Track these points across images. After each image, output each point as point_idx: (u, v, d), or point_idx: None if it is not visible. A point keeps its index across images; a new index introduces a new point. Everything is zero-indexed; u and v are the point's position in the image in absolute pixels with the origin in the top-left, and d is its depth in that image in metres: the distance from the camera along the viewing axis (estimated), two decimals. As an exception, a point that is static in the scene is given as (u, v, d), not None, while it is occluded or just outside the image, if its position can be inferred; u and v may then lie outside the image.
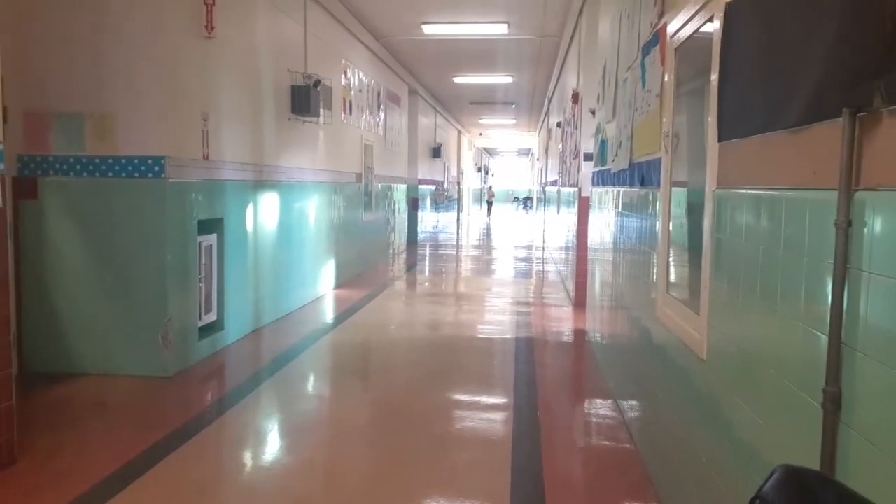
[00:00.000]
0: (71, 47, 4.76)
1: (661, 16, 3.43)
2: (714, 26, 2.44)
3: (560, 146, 10.98)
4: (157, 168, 4.78)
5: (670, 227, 3.18)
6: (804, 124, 1.68)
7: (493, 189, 35.77)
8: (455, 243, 17.21)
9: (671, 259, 3.20)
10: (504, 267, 12.92)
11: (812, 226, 1.66)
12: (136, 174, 4.78)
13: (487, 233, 20.47)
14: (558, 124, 11.57)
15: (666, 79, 3.24)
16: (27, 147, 4.82)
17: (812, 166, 1.67)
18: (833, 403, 1.51)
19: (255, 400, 4.68)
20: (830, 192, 1.52)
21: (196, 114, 5.21)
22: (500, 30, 9.73)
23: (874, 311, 1.40)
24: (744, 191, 2.12)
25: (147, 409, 4.35)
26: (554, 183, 12.63)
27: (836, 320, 1.50)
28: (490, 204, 33.80)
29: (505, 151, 40.99)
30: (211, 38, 5.30)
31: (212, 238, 5.58)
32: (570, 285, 8.50)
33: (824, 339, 1.54)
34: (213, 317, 5.66)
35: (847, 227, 1.47)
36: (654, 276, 3.37)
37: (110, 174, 4.80)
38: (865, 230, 1.43)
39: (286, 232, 7.13)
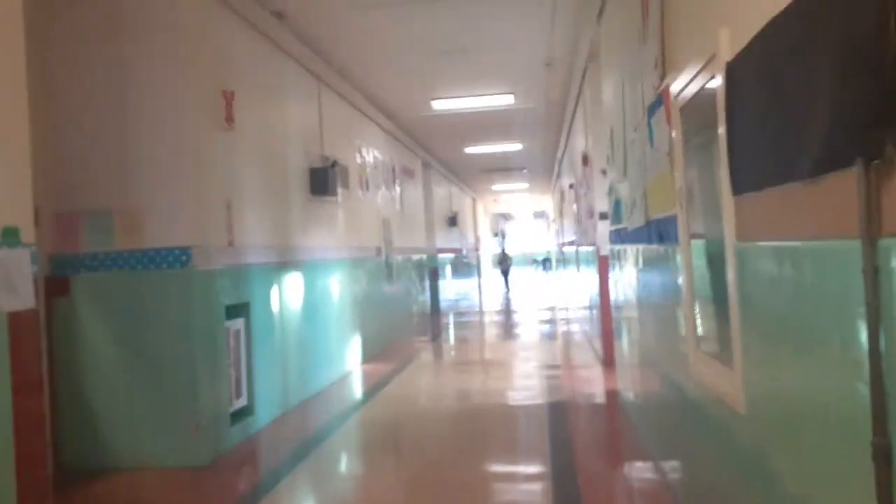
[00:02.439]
0: (97, 146, 4.95)
1: (662, 77, 3.53)
2: (717, 84, 2.51)
3: (574, 207, 11.08)
4: (184, 258, 4.89)
5: (694, 281, 3.17)
6: (819, 174, 1.71)
7: (509, 253, 26.96)
8: (477, 309, 17.16)
9: (698, 313, 3.18)
10: (528, 330, 12.82)
11: (840, 275, 1.66)
12: (164, 265, 4.89)
13: (508, 298, 20.41)
14: (571, 186, 11.71)
15: (674, 137, 3.31)
16: (58, 246, 4.96)
17: (832, 216, 1.68)
18: (883, 455, 1.48)
19: (291, 485, 4.62)
20: (853, 241, 1.53)
21: (220, 202, 5.37)
22: (507, 100, 10.01)
23: (912, 357, 1.38)
24: (765, 243, 2.13)
25: (182, 501, 4.30)
26: (571, 243, 12.67)
27: (876, 369, 1.48)
28: (506, 274, 25.22)
29: (520, 215, 41.30)
30: (231, 129, 5.51)
31: (239, 322, 5.64)
32: (598, 345, 8.40)
33: (865, 388, 1.52)
34: (243, 401, 5.66)
35: (874, 274, 1.48)
36: (683, 331, 3.35)
37: (139, 267, 4.92)
38: (893, 277, 1.43)
39: (311, 310, 7.18)
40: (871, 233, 1.49)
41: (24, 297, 3.37)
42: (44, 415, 3.47)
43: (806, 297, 1.84)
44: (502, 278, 25.37)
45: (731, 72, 2.31)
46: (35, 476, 3.33)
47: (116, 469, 4.81)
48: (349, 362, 8.56)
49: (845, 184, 1.57)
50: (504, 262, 25.74)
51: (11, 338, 3.27)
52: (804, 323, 1.86)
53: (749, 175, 2.21)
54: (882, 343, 1.47)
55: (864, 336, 1.51)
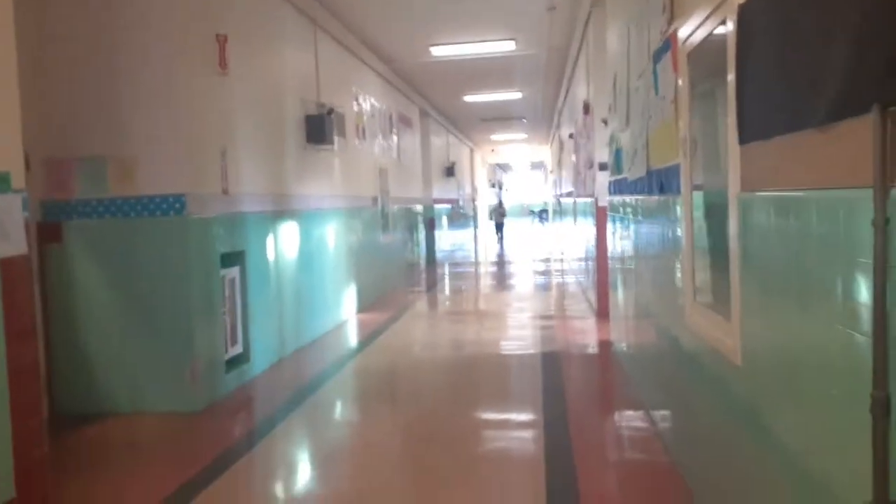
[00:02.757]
0: (89, 92, 4.84)
1: (670, 22, 3.42)
2: (727, 29, 2.42)
3: (573, 157, 10.96)
4: (178, 205, 4.82)
5: (693, 233, 3.14)
6: (832, 121, 1.65)
7: (504, 204, 25.00)
8: (473, 260, 17.18)
9: (696, 265, 3.15)
10: (523, 281, 12.86)
11: (848, 225, 1.62)
12: (158, 213, 4.83)
13: (504, 249, 20.43)
14: (570, 136, 11.56)
15: (680, 84, 3.22)
16: (50, 192, 4.89)
17: (843, 164, 1.63)
18: (882, 408, 1.46)
19: (285, 431, 4.67)
20: (865, 189, 1.48)
21: (214, 149, 5.27)
22: (508, 47, 9.78)
23: (919, 310, 1.36)
24: (770, 193, 2.08)
25: (178, 446, 4.35)
26: (569, 194, 12.59)
27: (881, 322, 1.45)
28: (500, 226, 23.21)
29: (518, 166, 41.04)
30: (225, 75, 5.37)
31: (234, 271, 5.62)
32: (592, 296, 8.43)
33: (867, 341, 1.50)
34: (238, 349, 5.68)
35: (885, 225, 1.44)
36: (681, 283, 3.33)
37: (132, 214, 4.86)
38: (905, 227, 1.39)
39: (307, 260, 7.16)
40: (885, 182, 1.44)
41: (15, 242, 3.32)
42: (38, 361, 3.46)
43: (810, 248, 1.80)
44: (496, 233, 22.99)
45: (744, 15, 2.23)
46: (30, 422, 3.34)
47: (111, 414, 4.85)
48: (344, 311, 8.58)
49: (859, 131, 1.52)
50: (499, 214, 23.36)
51: (4, 284, 3.23)
52: (806, 275, 1.83)
53: (757, 123, 2.15)
54: (888, 296, 1.44)
55: (869, 289, 1.48)
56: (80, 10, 4.82)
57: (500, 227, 23.06)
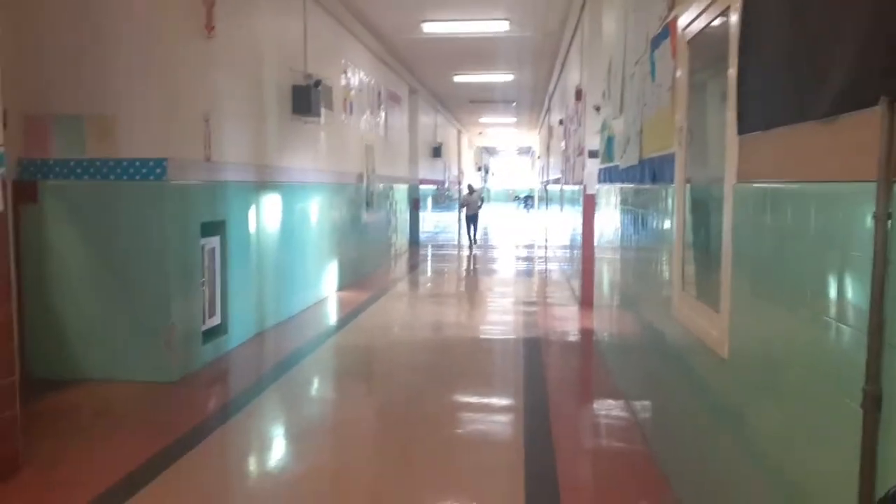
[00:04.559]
0: (70, 49, 4.69)
1: (670, 8, 3.36)
2: (731, 16, 2.37)
3: (563, 144, 10.92)
4: (158, 170, 4.71)
5: (685, 224, 3.11)
6: (837, 114, 1.61)
7: (477, 190, 17.51)
8: (457, 243, 17.13)
9: (686, 256, 3.13)
10: (507, 266, 12.86)
11: (846, 219, 1.59)
12: (138, 176, 4.72)
13: (488, 233, 20.39)
14: (560, 122, 11.51)
15: (678, 73, 3.18)
16: (27, 150, 4.75)
17: (845, 158, 1.60)
18: (873, 403, 1.45)
19: (261, 405, 4.61)
20: (867, 184, 1.45)
21: (197, 114, 5.15)
22: (501, 27, 9.66)
23: (917, 308, 1.33)
24: (768, 185, 2.05)
25: (152, 415, 4.28)
26: (556, 181, 12.57)
27: (877, 317, 1.43)
28: (474, 220, 15.98)
29: (505, 150, 40.94)
30: (211, 38, 5.23)
31: (214, 241, 5.52)
32: (576, 284, 8.44)
33: (862, 336, 1.47)
34: (216, 320, 5.60)
35: (887, 219, 1.41)
36: (669, 274, 3.31)
37: (111, 177, 4.73)
38: (907, 223, 1.37)
39: (289, 233, 7.06)
40: (889, 176, 1.41)
41: (-12, 199, 3.22)
42: (12, 320, 3.37)
43: (807, 241, 1.77)
44: (466, 227, 16.05)
45: (749, 3, 2.18)
46: (2, 384, 3.26)
47: (85, 380, 4.76)
48: (325, 288, 8.51)
49: (864, 124, 1.49)
50: (470, 203, 16.10)
51: (-25, 241, 3.14)
52: (803, 268, 1.80)
53: (757, 113, 2.11)
54: (886, 291, 1.42)
55: (865, 283, 1.46)
56: (63, -36, 4.66)
57: (472, 222, 15.90)
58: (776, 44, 1.96)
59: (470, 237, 15.81)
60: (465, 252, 14.22)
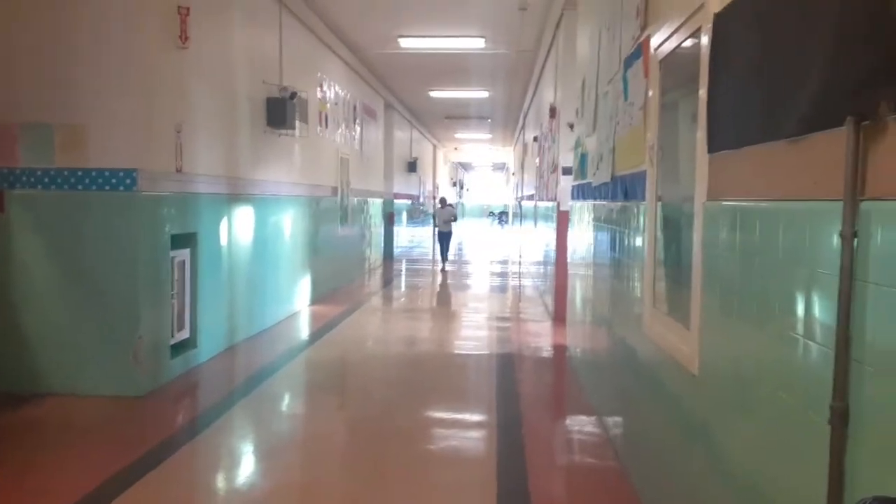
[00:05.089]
0: (38, 56, 4.61)
1: (643, 28, 3.42)
2: (702, 37, 2.42)
3: (537, 160, 11.01)
4: (128, 181, 4.63)
5: (657, 241, 3.14)
6: (804, 133, 1.65)
7: (450, 204, 15.17)
8: (431, 258, 17.12)
9: (657, 273, 3.16)
10: (481, 282, 12.87)
11: (813, 237, 1.62)
12: (107, 187, 4.63)
13: (462, 249, 20.42)
14: (535, 139, 11.61)
15: (650, 92, 3.23)
16: (-8, 159, 4.65)
17: (813, 176, 1.63)
18: (840, 419, 1.47)
19: (230, 420, 4.53)
20: (834, 202, 1.48)
21: (169, 125, 5.09)
22: (477, 44, 9.75)
23: (882, 324, 1.36)
24: (737, 203, 2.08)
25: (119, 429, 4.17)
26: (531, 197, 12.65)
27: (843, 334, 1.45)
28: (446, 238, 14.18)
29: (480, 166, 41.15)
30: (185, 48, 5.19)
31: (185, 253, 5.43)
32: (549, 300, 8.47)
33: (829, 353, 1.50)
34: (185, 334, 5.50)
35: (853, 237, 1.44)
36: (640, 291, 3.33)
37: (80, 187, 4.65)
38: (871, 241, 1.40)
39: (261, 247, 6.99)
40: (854, 195, 1.44)
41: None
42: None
43: (776, 258, 1.80)
44: (439, 245, 14.27)
45: (719, 23, 2.22)
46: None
47: (49, 394, 4.63)
48: (297, 302, 8.43)
49: (831, 144, 1.52)
50: (443, 218, 14.15)
51: (-66, 251, 3.05)
52: (771, 286, 1.83)
53: (727, 132, 2.14)
54: (852, 309, 1.44)
55: (833, 301, 1.48)
56: (34, -29, 4.59)
57: (444, 240, 14.10)
58: (746, 63, 2.00)
59: (442, 253, 14.08)
60: (439, 268, 13.66)
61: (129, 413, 4.43)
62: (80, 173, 4.64)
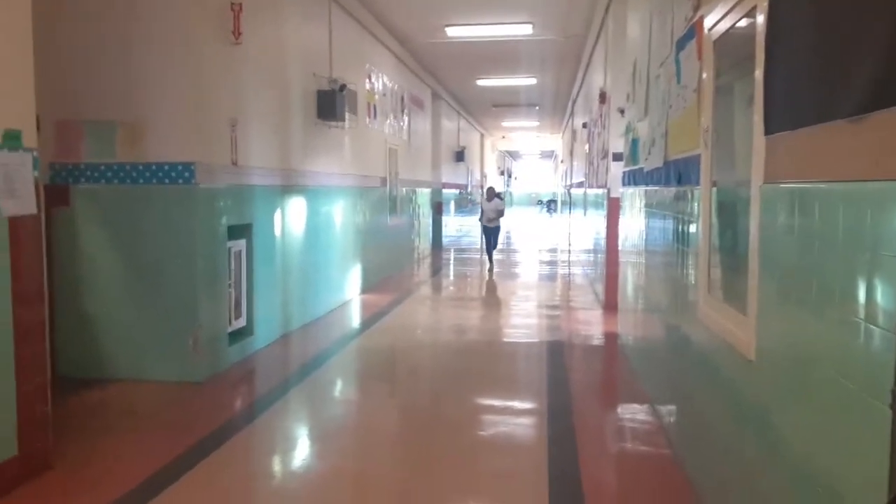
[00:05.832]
0: (100, 56, 4.79)
1: (696, 9, 3.35)
2: (757, 16, 2.36)
3: (586, 147, 10.87)
4: (186, 174, 4.79)
5: (711, 227, 3.09)
6: (865, 112, 1.60)
7: (499, 195, 13.00)
8: (479, 247, 17.11)
9: (712, 259, 3.11)
10: (530, 270, 12.82)
11: (875, 219, 1.57)
12: (167, 181, 4.80)
13: (510, 238, 20.34)
14: (584, 125, 11.46)
15: (704, 74, 3.16)
16: (58, 155, 4.86)
17: (874, 157, 1.58)
18: (903, 405, 1.43)
19: (285, 405, 4.66)
20: (894, 182, 1.44)
21: (224, 120, 5.23)
22: (525, 30, 9.66)
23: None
24: (795, 185, 2.03)
25: (178, 414, 4.34)
26: (580, 185, 12.51)
27: (908, 318, 1.41)
28: (494, 234, 12.43)
29: (528, 154, 40.83)
30: (238, 44, 5.31)
31: (241, 244, 5.59)
32: (600, 288, 8.39)
33: (892, 336, 1.46)
34: (242, 322, 5.66)
35: (917, 218, 1.39)
36: (695, 278, 3.28)
37: (141, 181, 4.83)
38: (938, 222, 1.35)
39: (313, 237, 7.13)
40: (919, 175, 1.40)
41: (25, 201, 3.30)
42: (44, 320, 3.45)
43: (834, 241, 1.76)
44: (485, 241, 12.58)
45: (775, 2, 2.16)
46: (35, 381, 3.34)
47: (113, 380, 4.85)
48: (349, 291, 8.57)
49: (892, 123, 1.47)
50: (490, 213, 12.33)
51: (12, 242, 3.22)
52: (829, 268, 1.78)
53: (784, 113, 2.09)
54: (917, 292, 1.40)
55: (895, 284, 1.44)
56: (96, -27, 4.77)
57: (491, 235, 12.40)
58: (803, 43, 1.95)
59: (488, 251, 12.41)
60: (486, 268, 12.10)
61: (188, 398, 4.61)
62: (140, 167, 4.82)
